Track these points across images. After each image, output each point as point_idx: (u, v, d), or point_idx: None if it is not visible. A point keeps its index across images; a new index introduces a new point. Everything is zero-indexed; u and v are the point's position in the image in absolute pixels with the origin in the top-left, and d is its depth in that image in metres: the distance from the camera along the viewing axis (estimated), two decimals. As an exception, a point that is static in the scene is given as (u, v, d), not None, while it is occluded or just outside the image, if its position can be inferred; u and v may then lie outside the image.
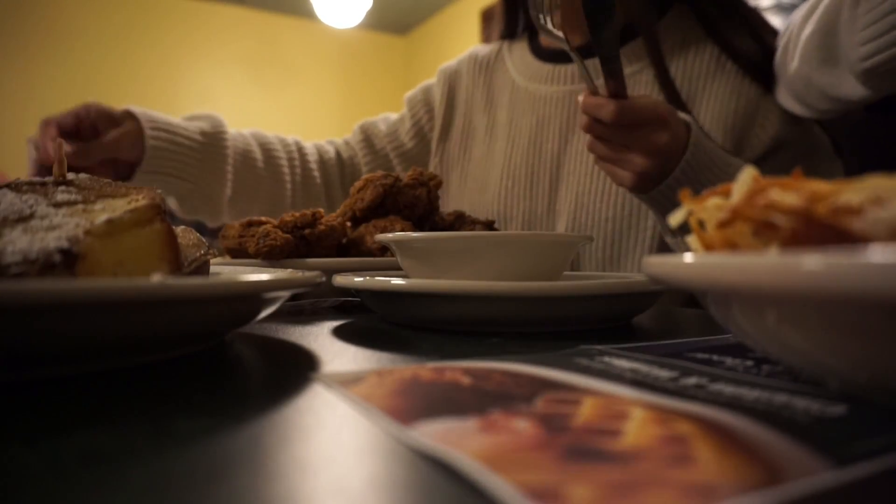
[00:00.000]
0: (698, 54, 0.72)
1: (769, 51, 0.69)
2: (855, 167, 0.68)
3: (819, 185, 0.18)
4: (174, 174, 0.76)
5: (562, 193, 0.76)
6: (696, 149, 0.55)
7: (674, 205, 0.56)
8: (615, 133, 0.53)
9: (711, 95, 0.70)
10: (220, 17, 4.66)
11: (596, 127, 0.53)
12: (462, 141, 0.89)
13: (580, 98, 0.53)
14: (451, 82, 0.92)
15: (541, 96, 0.80)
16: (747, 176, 0.20)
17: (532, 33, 0.87)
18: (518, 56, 0.86)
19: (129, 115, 0.74)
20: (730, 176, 0.57)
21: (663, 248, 0.69)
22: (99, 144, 0.69)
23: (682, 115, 0.57)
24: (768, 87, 0.68)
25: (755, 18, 0.72)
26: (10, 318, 0.20)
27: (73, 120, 0.68)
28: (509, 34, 0.90)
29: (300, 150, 0.91)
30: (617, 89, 0.50)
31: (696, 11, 0.73)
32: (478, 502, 0.12)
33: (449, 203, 0.88)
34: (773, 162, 0.67)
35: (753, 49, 0.69)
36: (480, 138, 0.86)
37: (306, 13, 4.45)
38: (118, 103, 0.77)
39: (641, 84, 0.73)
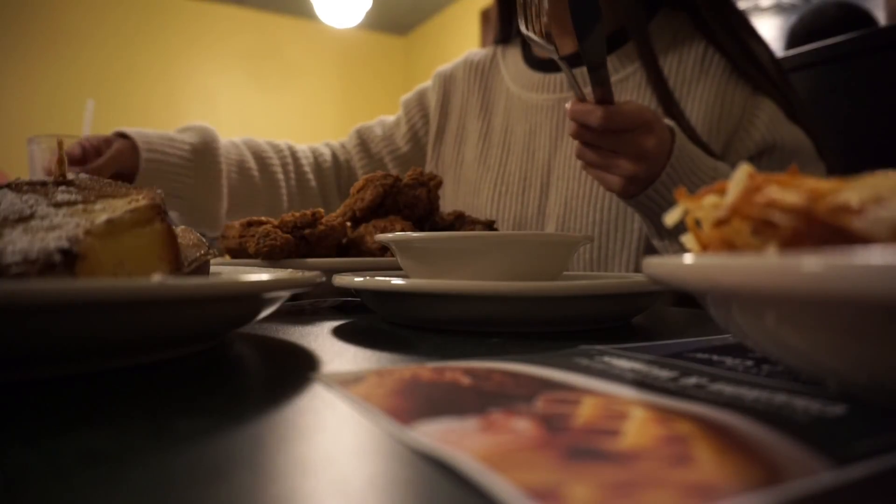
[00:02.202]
0: (684, 57, 0.73)
1: (752, 54, 0.69)
2: (838, 169, 0.68)
3: (818, 183, 0.18)
4: (168, 193, 0.77)
5: (552, 198, 0.77)
6: (681, 153, 0.56)
7: (661, 208, 0.57)
8: (603, 138, 0.53)
9: (697, 98, 0.71)
10: (220, 17, 4.66)
11: (584, 133, 0.54)
12: (455, 144, 0.90)
13: (568, 105, 0.54)
14: (447, 86, 0.93)
15: (532, 104, 0.82)
16: (742, 173, 0.20)
17: (525, 40, 0.88)
18: (512, 63, 0.88)
19: (122, 136, 0.75)
20: (715, 179, 0.57)
21: (650, 250, 0.70)
22: (106, 161, 0.70)
23: (666, 120, 0.58)
24: (754, 89, 0.69)
25: (740, 21, 0.73)
26: (10, 318, 0.20)
27: (79, 149, 0.70)
28: (503, 39, 0.91)
29: (293, 154, 0.91)
30: (604, 96, 0.51)
31: (686, 10, 0.74)
32: (478, 502, 0.12)
33: (443, 205, 0.88)
34: (758, 165, 0.68)
35: (739, 49, 0.70)
36: (473, 143, 0.87)
37: (306, 13, 4.45)
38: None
39: (633, 87, 0.74)
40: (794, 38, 1.03)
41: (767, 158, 0.68)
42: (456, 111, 0.91)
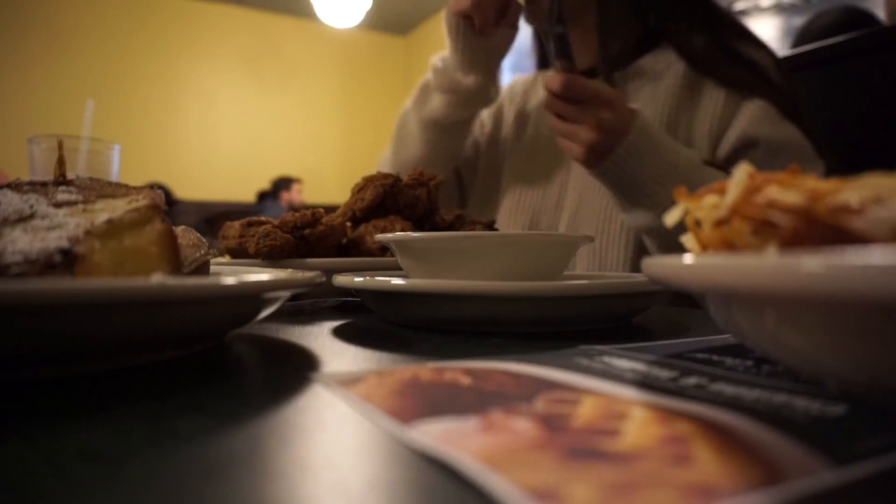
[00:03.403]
0: (676, 82, 0.76)
1: (750, 69, 0.73)
2: (838, 169, 0.68)
3: (818, 183, 0.18)
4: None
5: (570, 191, 0.82)
6: (641, 131, 0.62)
7: (620, 180, 0.64)
8: (566, 108, 0.62)
9: (695, 116, 0.74)
10: (220, 17, 4.66)
11: (552, 103, 0.62)
12: (501, 153, 0.94)
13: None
14: (502, 98, 0.97)
15: None
16: (742, 173, 0.20)
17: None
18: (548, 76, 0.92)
19: None
20: (677, 162, 0.63)
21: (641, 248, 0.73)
22: None
23: (633, 105, 0.63)
24: (750, 94, 0.72)
25: (732, 36, 0.76)
26: (10, 318, 0.20)
27: None
28: (542, 66, 0.96)
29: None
30: (567, 67, 0.61)
31: (683, 55, 0.77)
32: (478, 502, 0.12)
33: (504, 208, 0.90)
34: (742, 158, 0.69)
35: (734, 76, 0.73)
36: (512, 151, 0.91)
37: (306, 13, 4.45)
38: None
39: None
40: (800, 41, 1.02)
41: (754, 153, 0.70)
42: (504, 128, 0.95)
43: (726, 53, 0.73)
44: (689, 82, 0.75)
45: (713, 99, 0.73)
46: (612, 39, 0.78)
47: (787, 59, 0.86)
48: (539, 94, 0.91)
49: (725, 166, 0.69)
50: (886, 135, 0.79)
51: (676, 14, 0.76)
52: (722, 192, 0.21)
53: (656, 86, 0.77)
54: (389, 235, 0.42)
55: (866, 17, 1.00)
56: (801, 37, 1.04)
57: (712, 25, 0.75)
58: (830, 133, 0.76)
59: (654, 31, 0.79)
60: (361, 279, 0.38)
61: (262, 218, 0.58)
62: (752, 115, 0.70)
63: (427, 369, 0.24)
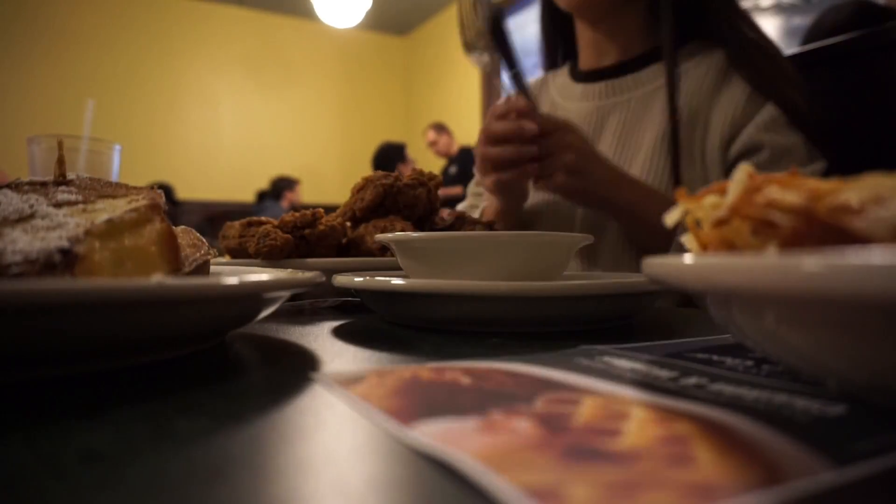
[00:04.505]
0: (709, 72, 0.78)
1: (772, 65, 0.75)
2: (841, 168, 0.69)
3: (818, 184, 0.18)
4: None
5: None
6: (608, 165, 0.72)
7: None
8: (533, 149, 0.68)
9: (715, 107, 0.76)
10: (220, 17, 4.66)
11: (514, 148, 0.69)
12: None
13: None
14: None
15: (573, 111, 0.88)
16: (742, 174, 0.20)
17: (574, 60, 0.94)
18: (560, 79, 0.95)
19: None
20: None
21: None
22: None
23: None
24: (766, 97, 0.74)
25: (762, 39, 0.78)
26: (10, 318, 0.20)
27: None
28: (551, 65, 0.98)
29: None
30: (529, 104, 0.67)
31: (725, 43, 0.79)
32: (478, 502, 0.12)
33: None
34: (747, 162, 0.70)
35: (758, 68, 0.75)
36: None
37: (306, 13, 4.45)
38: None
39: (656, 104, 0.79)
40: (810, 37, 1.02)
41: (757, 157, 0.71)
42: None
43: (756, 46, 0.76)
44: (719, 74, 0.76)
45: (735, 95, 0.74)
46: (660, 28, 0.79)
47: (790, 57, 0.86)
48: (550, 95, 0.93)
49: (734, 164, 0.72)
50: (887, 135, 0.79)
51: (717, 8, 0.78)
52: (722, 192, 0.21)
53: (688, 76, 0.79)
54: (389, 235, 0.42)
55: (879, 12, 0.99)
56: (812, 32, 1.03)
57: (744, 21, 0.78)
58: (838, 131, 0.77)
59: (693, 24, 0.81)
60: (361, 279, 0.38)
61: (262, 218, 0.58)
62: (762, 123, 0.72)
63: (427, 369, 0.24)
